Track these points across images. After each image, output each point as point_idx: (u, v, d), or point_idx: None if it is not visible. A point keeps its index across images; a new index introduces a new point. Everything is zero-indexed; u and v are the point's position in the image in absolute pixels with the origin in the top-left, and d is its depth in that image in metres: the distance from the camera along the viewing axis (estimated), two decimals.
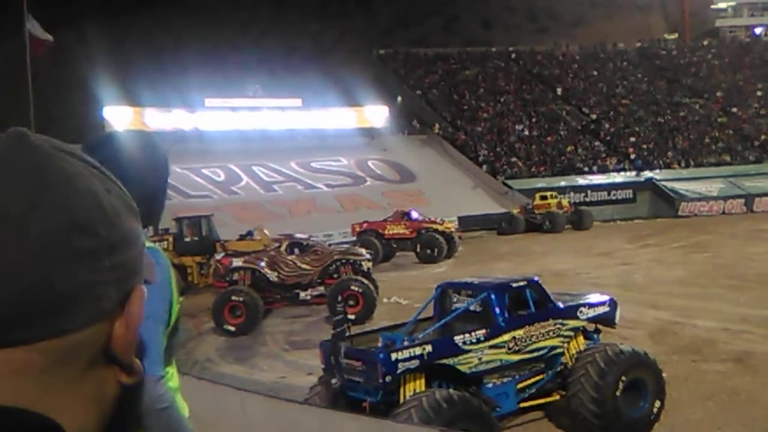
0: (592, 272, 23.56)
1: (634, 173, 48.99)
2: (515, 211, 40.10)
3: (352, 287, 18.16)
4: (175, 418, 2.33)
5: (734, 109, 57.77)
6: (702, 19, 74.96)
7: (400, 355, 9.30)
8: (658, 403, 10.20)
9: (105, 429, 0.79)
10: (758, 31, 72.39)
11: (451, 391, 8.95)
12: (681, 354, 13.52)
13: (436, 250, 29.15)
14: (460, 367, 9.67)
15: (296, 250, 20.26)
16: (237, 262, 19.83)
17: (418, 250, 29.38)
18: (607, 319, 11.39)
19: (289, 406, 8.74)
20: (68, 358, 0.74)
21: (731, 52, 67.28)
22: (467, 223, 37.84)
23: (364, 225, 31.08)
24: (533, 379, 10.42)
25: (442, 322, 10.50)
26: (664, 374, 10.47)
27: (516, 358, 10.19)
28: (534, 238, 35.73)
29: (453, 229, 31.28)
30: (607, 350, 10.13)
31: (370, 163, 48.29)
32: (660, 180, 47.50)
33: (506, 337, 10.11)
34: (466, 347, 9.76)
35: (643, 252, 28.62)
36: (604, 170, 49.67)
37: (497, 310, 10.21)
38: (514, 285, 10.69)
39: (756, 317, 15.84)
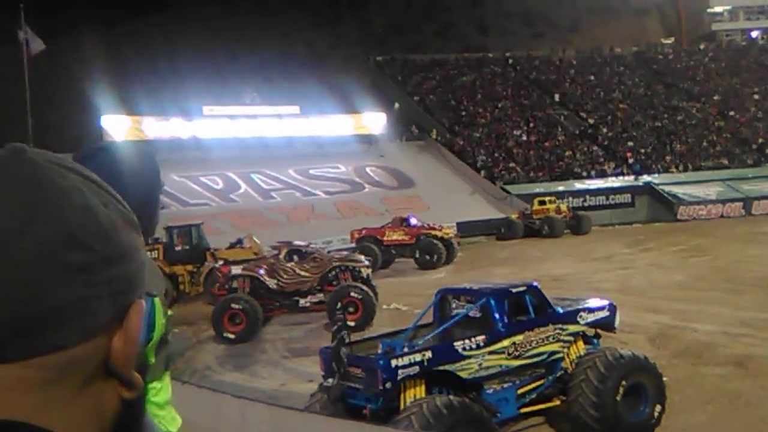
0: (591, 277, 23.56)
1: (632, 177, 49.02)
2: (514, 217, 40.11)
3: (352, 294, 18.16)
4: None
5: (731, 113, 57.86)
6: (698, 23, 75.13)
7: (400, 362, 9.30)
8: (658, 408, 10.19)
9: None
10: (754, 34, 72.54)
11: (451, 397, 8.94)
12: (681, 358, 13.51)
13: (435, 256, 29.14)
14: (460, 373, 9.66)
15: (295, 258, 20.25)
16: (236, 270, 19.83)
17: (417, 256, 29.37)
18: (606, 324, 11.39)
19: (289, 414, 8.72)
20: (65, 373, 0.74)
21: (728, 55, 67.42)
22: (466, 229, 37.84)
23: (363, 231, 31.07)
24: (533, 385, 10.41)
25: (442, 328, 10.49)
26: (664, 378, 10.46)
27: (516, 363, 10.18)
28: (533, 243, 35.73)
29: (452, 235, 31.27)
30: (607, 355, 10.12)
31: (368, 170, 48.30)
32: (658, 184, 47.51)
33: (506, 342, 10.10)
34: (466, 353, 9.75)
35: (642, 256, 28.62)
36: (602, 175, 49.71)
37: (497, 315, 10.21)
38: (514, 290, 10.69)
39: (755, 320, 15.84)
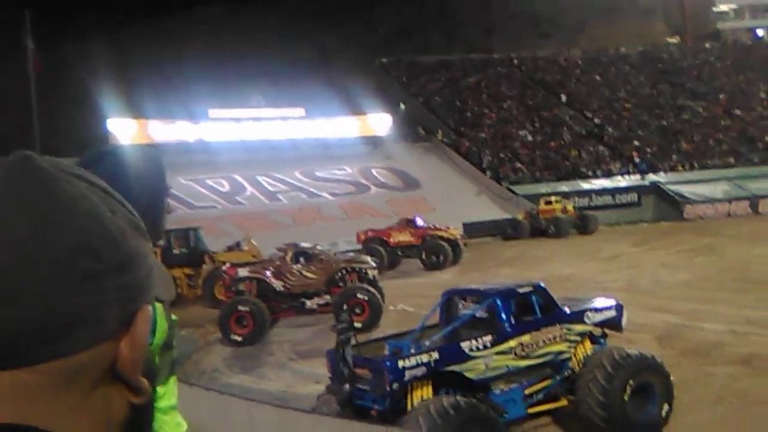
0: (597, 276, 23.53)
1: (638, 177, 48.94)
2: (520, 217, 40.07)
3: (358, 295, 18.18)
4: None
5: (738, 111, 57.73)
6: (703, 21, 75.01)
7: (407, 363, 9.31)
8: (666, 407, 10.18)
9: None
10: (760, 33, 72.42)
11: (458, 397, 8.94)
12: (688, 357, 13.49)
13: (441, 256, 29.14)
14: (467, 374, 9.66)
15: (301, 260, 20.27)
16: (243, 273, 19.86)
17: (424, 257, 29.37)
18: (613, 324, 11.37)
19: (297, 416, 8.75)
20: (73, 379, 0.75)
21: (733, 54, 67.28)
22: (472, 230, 37.81)
23: (369, 233, 31.07)
24: (540, 385, 10.40)
25: (449, 328, 10.49)
26: (671, 377, 10.44)
27: (523, 363, 10.18)
28: (539, 243, 35.70)
29: (458, 236, 31.25)
30: (614, 354, 10.11)
31: (374, 171, 48.32)
32: (664, 183, 47.43)
33: (513, 342, 10.11)
34: (473, 354, 9.76)
35: (648, 255, 28.57)
36: (608, 174, 49.63)
37: (503, 316, 10.21)
38: (520, 291, 10.69)
39: (763, 319, 15.79)
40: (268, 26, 60.54)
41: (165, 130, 46.02)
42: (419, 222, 31.20)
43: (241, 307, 17.93)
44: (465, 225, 36.95)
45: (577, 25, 77.05)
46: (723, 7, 74.58)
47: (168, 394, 2.57)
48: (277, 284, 19.58)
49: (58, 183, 0.76)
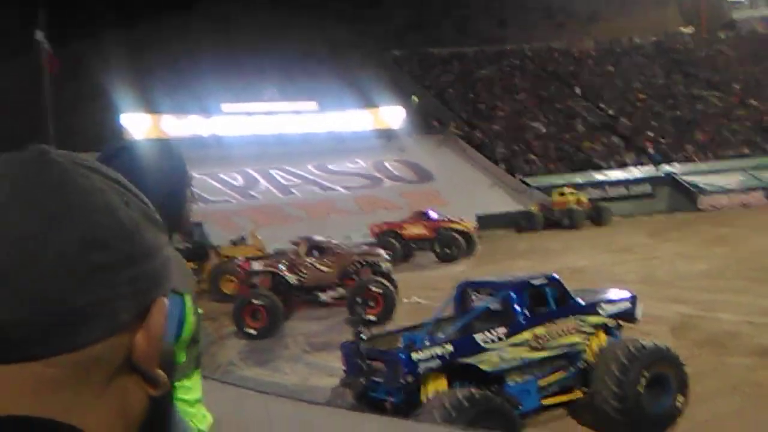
0: (612, 268, 23.46)
1: (652, 168, 48.71)
2: (534, 209, 39.96)
3: (372, 288, 18.20)
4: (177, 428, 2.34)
5: (752, 101, 57.32)
6: (718, 11, 74.51)
7: (422, 355, 9.33)
8: (681, 398, 10.17)
9: None
10: None
11: (472, 390, 8.95)
12: (704, 348, 13.45)
13: (454, 249, 29.12)
14: (481, 366, 9.67)
15: (315, 253, 20.31)
16: (257, 266, 19.93)
17: (437, 249, 29.36)
18: (628, 315, 11.36)
19: (312, 408, 8.76)
20: (88, 371, 0.75)
21: (748, 44, 66.80)
22: (486, 222, 37.75)
23: (383, 226, 31.09)
24: (555, 377, 10.41)
25: (463, 321, 10.50)
26: (687, 369, 10.42)
27: (537, 355, 10.18)
28: (553, 235, 35.61)
29: (471, 228, 31.22)
30: (628, 346, 10.10)
31: (387, 164, 48.29)
32: (679, 174, 47.16)
33: (527, 334, 10.11)
34: (487, 346, 9.76)
35: (663, 246, 28.46)
36: (622, 165, 49.40)
37: (517, 308, 10.21)
38: (534, 282, 10.69)
39: None
40: (280, 20, 60.51)
41: (178, 125, 46.13)
42: (433, 215, 31.18)
43: (255, 301, 17.98)
44: (478, 217, 36.91)
45: (591, 15, 76.62)
46: None
47: (195, 387, 2.60)
48: (291, 278, 19.64)
49: (72, 176, 0.77)
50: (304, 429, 8.27)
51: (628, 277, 20.64)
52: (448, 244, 29.24)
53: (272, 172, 45.28)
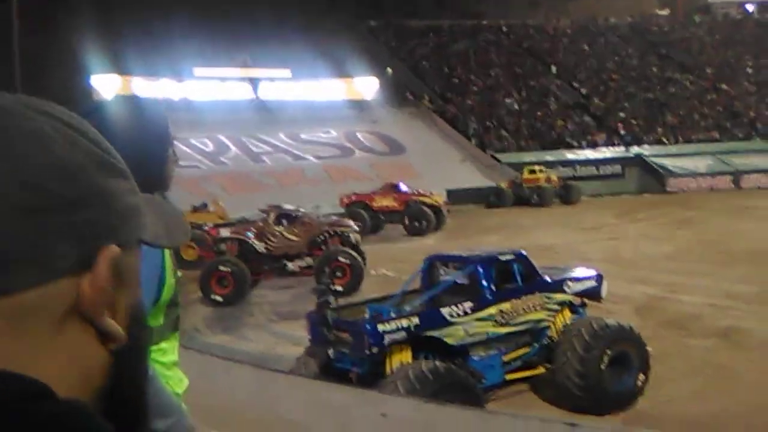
0: (580, 247, 23.63)
1: (623, 148, 49.04)
2: (504, 185, 40.12)
3: (340, 259, 18.19)
4: (154, 389, 2.31)
5: (724, 86, 57.79)
6: None
7: (387, 327, 9.33)
8: (642, 377, 10.28)
9: (103, 396, 0.77)
10: (750, 8, 72.29)
11: (437, 362, 8.98)
12: (667, 329, 13.60)
13: (424, 222, 29.15)
14: (446, 339, 9.71)
15: (284, 221, 20.24)
16: (224, 233, 19.82)
17: (407, 222, 29.38)
18: (593, 293, 11.45)
19: (276, 377, 8.75)
20: (27, 318, 0.71)
21: (723, 28, 67.21)
22: (456, 196, 37.82)
23: (353, 197, 31.05)
24: (519, 352, 10.48)
25: (430, 294, 10.52)
26: (649, 349, 10.53)
27: (502, 330, 10.23)
28: (522, 211, 35.79)
29: (441, 202, 31.26)
30: (592, 324, 10.18)
31: (359, 135, 48.16)
32: (649, 156, 47.55)
33: (493, 310, 10.15)
34: (453, 319, 9.79)
35: (631, 227, 28.73)
36: (593, 145, 49.71)
37: (484, 282, 10.24)
38: (502, 258, 10.72)
39: (742, 293, 15.95)
40: None
41: (149, 88, 45.59)
42: (403, 187, 31.18)
43: (222, 267, 17.90)
44: (449, 191, 36.96)
45: None
46: None
47: (172, 350, 2.58)
48: (259, 245, 19.57)
49: (15, 119, 0.73)
50: (267, 397, 8.26)
51: (594, 255, 20.79)
52: (418, 217, 29.27)
53: (243, 139, 44.99)
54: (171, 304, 2.54)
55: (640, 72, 60.03)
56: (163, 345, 2.55)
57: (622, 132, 51.16)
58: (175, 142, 2.62)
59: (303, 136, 46.50)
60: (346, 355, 9.57)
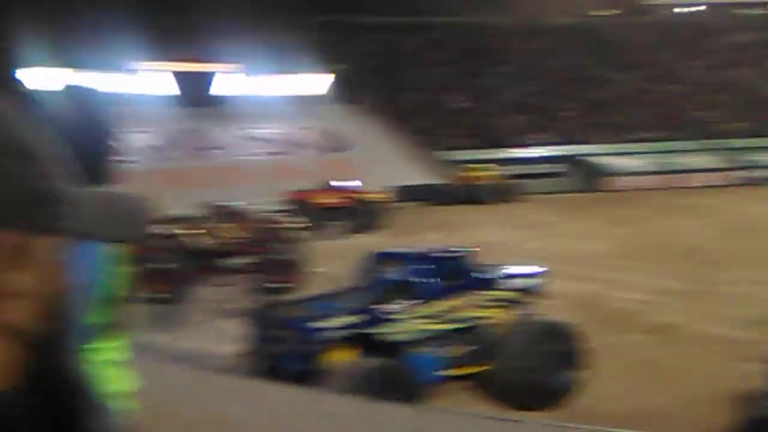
0: (522, 244, 23.82)
1: (563, 147, 49.61)
2: (447, 182, 40.30)
3: (282, 256, 18.08)
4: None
5: (662, 86, 58.84)
6: None
7: (327, 325, 9.31)
8: (579, 374, 10.41)
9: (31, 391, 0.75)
10: (686, 9, 73.76)
11: (377, 360, 8.98)
12: (603, 326, 13.75)
13: (366, 219, 29.13)
14: (386, 337, 9.71)
15: (226, 218, 20.05)
16: (165, 230, 19.56)
17: (349, 219, 29.31)
18: (534, 291, 11.56)
19: (215, 376, 8.67)
20: None
21: (660, 29, 68.39)
22: (399, 194, 37.91)
23: (296, 193, 30.88)
24: (459, 349, 10.52)
25: (370, 292, 10.51)
26: (586, 345, 10.66)
27: (443, 328, 10.27)
28: (464, 209, 35.97)
29: (385, 199, 31.28)
30: (532, 321, 10.28)
31: (304, 132, 47.94)
32: (587, 155, 48.21)
33: (434, 307, 10.18)
34: (393, 317, 9.80)
35: (570, 225, 29.08)
36: (535, 144, 50.18)
37: (425, 280, 10.26)
38: (443, 255, 10.77)
39: (678, 290, 16.26)
40: None
41: (93, 81, 44.67)
42: (347, 184, 31.12)
43: (161, 265, 17.64)
44: (392, 188, 37.02)
45: None
46: None
47: (117, 349, 2.52)
48: (201, 242, 19.35)
49: None
50: (206, 396, 8.17)
51: (536, 253, 20.91)
52: (361, 214, 29.23)
53: (186, 134, 44.46)
54: (115, 300, 2.47)
55: (579, 72, 60.77)
56: (107, 344, 2.49)
57: (563, 131, 51.76)
58: (119, 136, 2.57)
59: (249, 131, 46.15)
60: (285, 353, 9.52)
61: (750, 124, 54.57)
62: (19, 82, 40.96)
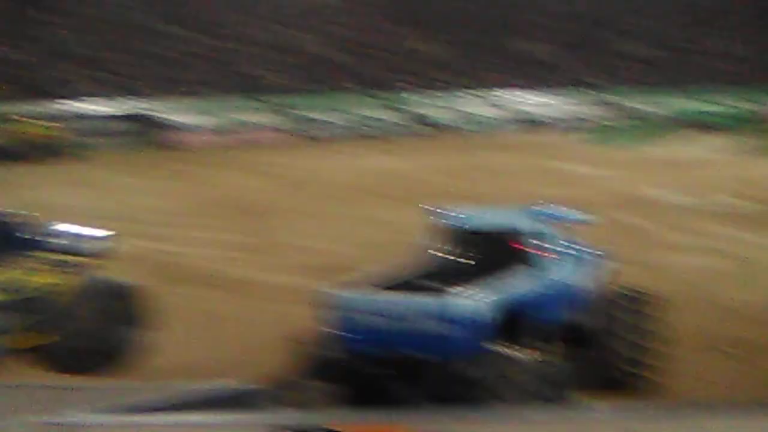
0: (87, 204, 22.32)
1: (124, 102, 48.21)
2: None
3: None
4: None
5: (220, 42, 59.56)
6: None
7: None
8: (147, 334, 10.40)
9: None
10: None
11: None
12: (169, 283, 13.66)
13: None
14: None
15: None
16: None
17: None
18: (96, 252, 11.04)
19: None
20: None
21: None
22: None
23: None
24: (18, 319, 9.67)
25: None
26: (152, 304, 10.55)
27: None
28: (15, 167, 32.96)
29: None
30: (94, 284, 9.98)
31: None
32: (150, 110, 47.40)
33: None
34: None
35: (134, 183, 28.28)
36: (91, 98, 48.00)
37: None
38: None
39: (245, 245, 16.75)
40: None
41: None
42: None
43: None
44: None
45: None
46: None
47: None
48: None
49: None
50: None
51: (100, 213, 19.99)
52: None
53: None
54: None
55: (139, 25, 59.35)
56: None
57: (123, 85, 50.29)
58: None
59: None
60: None
61: (308, 84, 57.62)
62: None
